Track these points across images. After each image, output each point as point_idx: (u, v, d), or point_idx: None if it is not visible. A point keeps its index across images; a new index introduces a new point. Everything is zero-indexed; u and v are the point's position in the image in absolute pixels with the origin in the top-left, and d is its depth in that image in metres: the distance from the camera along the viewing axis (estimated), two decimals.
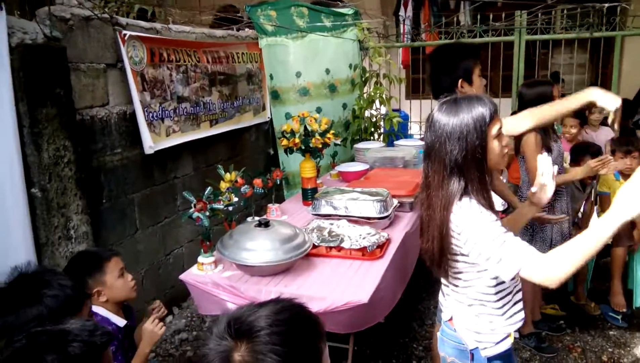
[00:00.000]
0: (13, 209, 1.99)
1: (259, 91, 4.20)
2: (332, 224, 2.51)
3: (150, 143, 2.81)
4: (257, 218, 2.33)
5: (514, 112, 4.10)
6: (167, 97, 3.02)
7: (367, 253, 2.28)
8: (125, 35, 2.62)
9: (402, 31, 5.99)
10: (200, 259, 2.22)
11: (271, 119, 4.36)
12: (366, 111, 4.61)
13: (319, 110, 4.51)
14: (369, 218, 2.57)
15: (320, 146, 3.01)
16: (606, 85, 4.14)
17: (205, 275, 2.19)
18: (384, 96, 4.44)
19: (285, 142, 3.02)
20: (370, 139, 4.65)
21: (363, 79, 4.51)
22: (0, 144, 1.96)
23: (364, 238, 2.34)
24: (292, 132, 2.99)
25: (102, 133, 2.62)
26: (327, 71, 4.53)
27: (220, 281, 2.14)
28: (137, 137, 2.81)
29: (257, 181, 2.70)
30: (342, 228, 2.47)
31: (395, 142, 4.09)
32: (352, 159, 4.29)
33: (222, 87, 3.63)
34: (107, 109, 2.65)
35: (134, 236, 2.89)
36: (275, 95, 4.32)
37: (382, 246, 2.34)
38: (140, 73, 2.77)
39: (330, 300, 1.96)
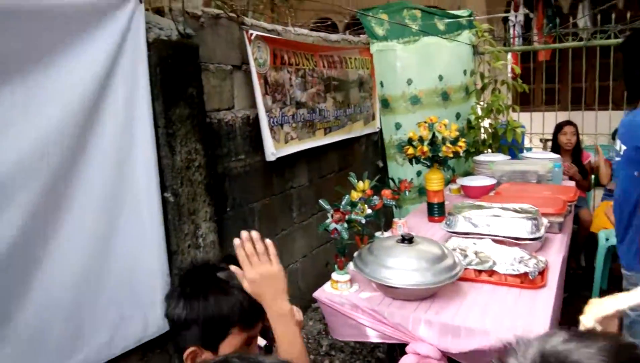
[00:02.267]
0: (148, 214, 1.88)
1: (369, 99, 3.99)
2: (475, 244, 2.21)
3: (273, 150, 2.67)
4: (398, 233, 2.08)
5: None
6: (286, 102, 2.87)
7: (526, 280, 1.95)
8: (252, 35, 2.50)
9: (512, 35, 5.58)
10: (334, 276, 2.00)
11: (381, 130, 4.13)
12: (482, 121, 4.25)
13: None
14: (517, 239, 2.23)
15: (451, 155, 2.72)
16: None
17: (340, 295, 1.96)
18: (502, 104, 4.06)
19: (411, 150, 2.76)
20: (485, 152, 4.28)
21: (481, 86, 4.15)
22: (138, 144, 1.87)
23: (519, 262, 2.01)
24: (421, 139, 2.72)
25: (227, 138, 2.50)
26: (440, 78, 4.23)
27: (359, 302, 1.91)
28: (259, 143, 2.67)
29: (386, 192, 2.46)
30: (487, 248, 2.15)
31: (523, 154, 3.69)
32: (467, 173, 3.95)
33: (336, 94, 3.45)
34: (232, 113, 2.54)
35: None
36: (385, 103, 4.08)
37: (542, 273, 2.00)
38: (264, 76, 2.64)
39: (497, 333, 1.66)
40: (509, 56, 5.74)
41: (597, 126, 4.40)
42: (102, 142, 1.76)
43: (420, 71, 4.13)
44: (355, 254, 2.04)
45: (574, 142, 3.88)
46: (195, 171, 2.17)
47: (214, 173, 2.34)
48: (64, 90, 1.62)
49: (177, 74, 2.07)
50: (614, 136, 3.96)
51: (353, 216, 2.03)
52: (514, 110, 4.19)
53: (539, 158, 3.41)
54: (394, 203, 2.48)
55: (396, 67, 4.04)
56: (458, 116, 4.41)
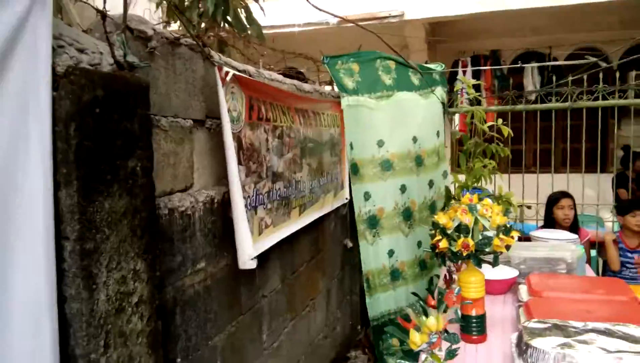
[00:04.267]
0: None
1: (339, 164, 3.19)
2: None
3: (250, 250, 1.70)
4: None
5: None
6: (262, 174, 1.95)
7: None
8: (226, 74, 1.58)
9: (461, 97, 5.19)
10: None
11: (350, 201, 3.31)
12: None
13: (403, 189, 3.50)
14: None
15: (504, 250, 1.95)
16: None
17: None
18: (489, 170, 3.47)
19: (444, 243, 1.95)
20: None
21: (469, 148, 3.54)
22: (18, 274, 0.84)
23: None
24: (460, 228, 1.93)
25: (182, 238, 1.50)
26: (415, 140, 3.56)
27: None
28: (226, 239, 1.71)
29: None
30: None
31: (535, 233, 3.05)
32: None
33: (311, 159, 2.59)
34: (191, 196, 1.55)
35: None
36: (355, 169, 3.29)
37: None
38: (238, 136, 1.71)
39: None
40: (457, 118, 5.34)
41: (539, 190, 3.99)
42: None
43: (393, 131, 3.43)
44: None
45: (571, 217, 3.36)
46: (133, 315, 1.15)
47: (159, 304, 1.32)
48: None
49: (109, 134, 1.08)
50: (620, 209, 3.52)
51: None
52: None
53: (559, 240, 2.78)
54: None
55: (367, 126, 3.30)
56: (431, 184, 3.75)
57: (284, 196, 2.20)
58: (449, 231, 1.95)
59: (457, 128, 5.38)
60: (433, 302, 1.71)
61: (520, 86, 5.61)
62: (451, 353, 1.30)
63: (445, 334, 1.53)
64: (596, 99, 3.64)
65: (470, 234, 1.94)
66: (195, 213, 1.56)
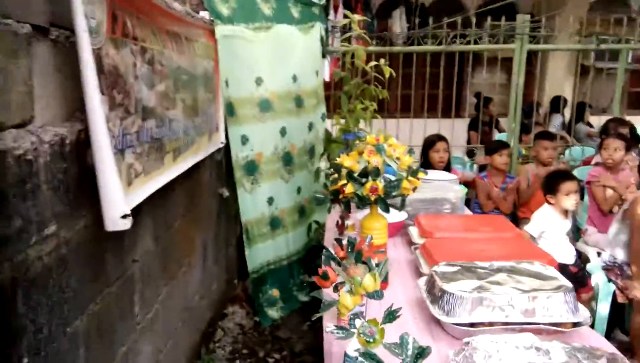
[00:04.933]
0: None
1: (214, 103, 2.79)
2: (504, 342, 1.35)
3: (122, 205, 1.30)
4: None
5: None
6: (130, 107, 1.52)
7: None
8: None
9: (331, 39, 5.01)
10: None
11: (227, 145, 2.96)
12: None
13: (283, 132, 3.25)
14: (557, 325, 1.48)
15: (411, 193, 1.82)
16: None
17: None
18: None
19: (350, 188, 1.74)
20: None
21: (350, 90, 3.35)
22: None
23: None
24: (369, 172, 1.73)
25: (21, 194, 1.06)
26: (294, 78, 3.30)
27: None
28: (84, 195, 1.29)
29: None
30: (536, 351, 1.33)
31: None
32: None
33: (185, 95, 2.18)
34: (32, 135, 1.10)
35: None
36: (230, 110, 2.93)
37: None
38: (98, 54, 1.26)
39: None
40: (327, 60, 5.17)
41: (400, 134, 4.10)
42: None
43: (273, 68, 3.11)
44: None
45: (446, 160, 3.45)
46: None
47: None
48: None
49: None
50: (488, 149, 3.67)
51: None
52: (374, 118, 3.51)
53: (442, 181, 2.78)
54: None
55: (245, 60, 2.93)
56: (311, 126, 3.55)
57: (157, 137, 1.79)
58: (355, 175, 1.75)
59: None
60: (342, 253, 1.52)
61: (388, 31, 5.61)
62: (391, 315, 1.11)
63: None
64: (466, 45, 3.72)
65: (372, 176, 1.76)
66: (40, 158, 1.11)
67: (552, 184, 2.72)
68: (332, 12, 5.40)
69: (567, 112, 6.52)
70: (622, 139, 3.17)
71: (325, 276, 1.35)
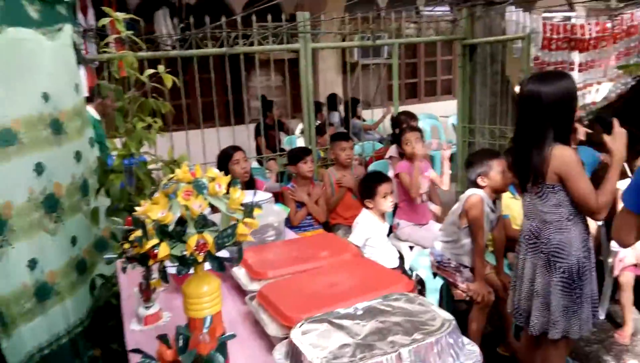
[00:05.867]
0: None
1: None
2: None
3: None
4: None
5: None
6: None
7: None
8: None
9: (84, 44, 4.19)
10: None
11: None
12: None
13: (39, 169, 2.44)
14: None
15: (249, 239, 1.37)
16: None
17: None
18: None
19: (166, 250, 1.22)
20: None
21: (125, 106, 2.68)
22: None
23: None
24: (187, 221, 1.23)
25: None
26: (46, 98, 2.50)
27: None
28: None
29: None
30: None
31: None
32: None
33: None
34: None
35: None
36: None
37: None
38: None
39: None
40: (82, 71, 4.32)
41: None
42: None
43: (10, 87, 2.27)
44: None
45: (249, 169, 3.13)
46: None
47: None
48: None
49: None
50: (291, 158, 3.40)
51: None
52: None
53: (262, 202, 2.39)
54: None
55: None
56: (78, 157, 2.77)
57: None
58: (169, 229, 1.24)
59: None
60: (170, 354, 1.03)
61: (153, 34, 4.97)
62: None
63: None
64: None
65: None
66: None
67: (368, 188, 2.62)
68: (79, 13, 4.53)
69: (341, 109, 6.87)
70: (416, 130, 3.29)
71: None
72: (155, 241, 1.23)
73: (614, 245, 2.81)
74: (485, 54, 4.41)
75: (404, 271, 2.78)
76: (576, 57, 4.60)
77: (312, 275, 1.77)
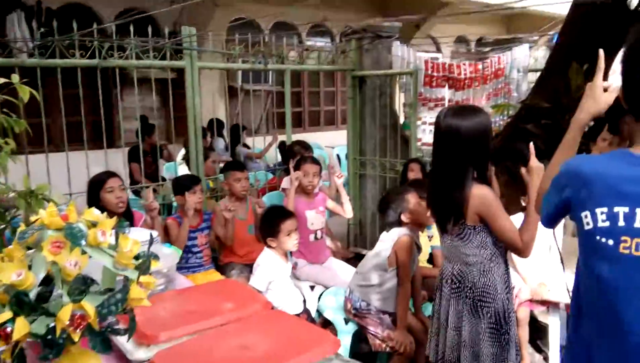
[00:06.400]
0: None
1: None
2: None
3: None
4: None
5: None
6: None
7: None
8: None
9: None
10: None
11: None
12: None
13: None
14: None
15: (144, 304, 1.02)
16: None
17: None
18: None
19: (24, 327, 0.83)
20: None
21: None
22: None
23: None
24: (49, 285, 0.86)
25: None
26: None
27: None
28: None
29: None
30: None
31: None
32: None
33: None
34: None
35: None
36: None
37: None
38: None
39: None
40: None
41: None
42: None
43: None
44: None
45: (125, 200, 2.70)
46: None
47: None
48: None
49: None
50: (177, 188, 2.97)
51: None
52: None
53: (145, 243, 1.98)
54: None
55: None
56: None
57: None
58: (29, 299, 0.86)
59: None
60: None
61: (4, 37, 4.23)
62: None
63: None
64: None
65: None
66: None
67: (270, 225, 2.34)
68: None
69: (225, 135, 6.51)
70: (316, 163, 3.10)
71: None
72: (7, 314, 0.84)
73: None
74: (375, 86, 4.44)
75: (309, 316, 2.53)
76: (453, 95, 4.85)
77: (217, 337, 1.45)
